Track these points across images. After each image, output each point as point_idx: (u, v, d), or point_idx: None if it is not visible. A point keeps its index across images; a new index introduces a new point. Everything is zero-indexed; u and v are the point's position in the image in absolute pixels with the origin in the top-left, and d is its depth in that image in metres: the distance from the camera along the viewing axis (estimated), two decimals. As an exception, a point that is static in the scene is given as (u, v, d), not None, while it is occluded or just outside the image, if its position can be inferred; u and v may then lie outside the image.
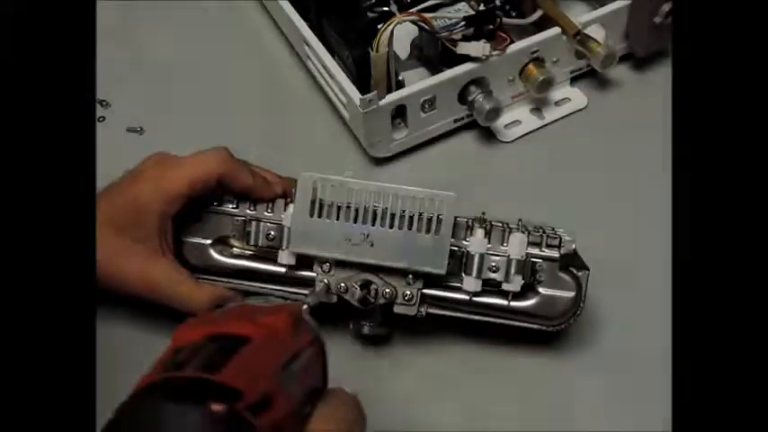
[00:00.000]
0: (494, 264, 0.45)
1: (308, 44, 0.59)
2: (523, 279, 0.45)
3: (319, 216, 0.44)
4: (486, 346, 0.49)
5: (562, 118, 0.60)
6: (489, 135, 0.60)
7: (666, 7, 0.58)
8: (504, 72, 0.57)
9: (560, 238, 0.45)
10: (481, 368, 0.48)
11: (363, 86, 0.54)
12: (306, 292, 0.46)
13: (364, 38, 0.54)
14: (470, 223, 0.46)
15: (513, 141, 0.59)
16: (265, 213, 0.47)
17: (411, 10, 0.56)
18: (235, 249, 0.48)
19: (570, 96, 0.62)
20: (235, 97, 0.63)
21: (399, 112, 0.56)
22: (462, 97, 0.57)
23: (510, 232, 0.45)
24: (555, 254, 0.45)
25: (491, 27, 0.56)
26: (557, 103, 0.61)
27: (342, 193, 0.44)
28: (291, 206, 0.46)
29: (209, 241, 0.48)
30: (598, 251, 0.52)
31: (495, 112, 0.56)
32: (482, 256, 0.45)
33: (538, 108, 0.61)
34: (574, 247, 0.46)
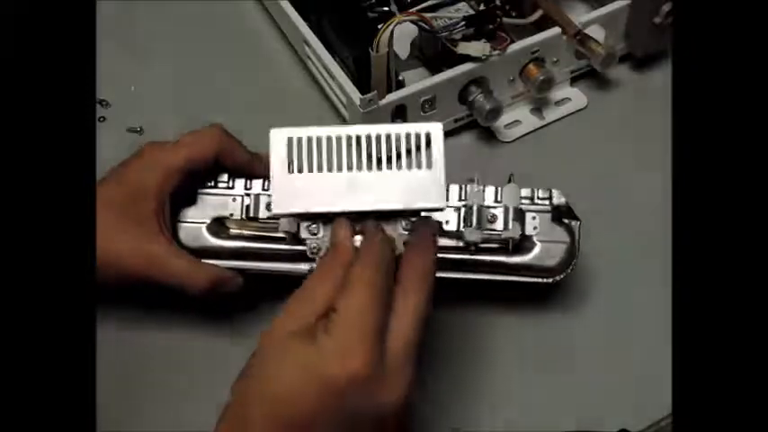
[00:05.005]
0: (491, 214, 0.46)
1: (308, 44, 0.60)
2: (521, 228, 0.46)
3: (299, 171, 0.41)
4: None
5: (562, 118, 0.61)
6: (489, 135, 0.60)
7: (666, 7, 0.58)
8: (504, 72, 0.57)
9: (550, 191, 0.47)
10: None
11: (363, 86, 0.54)
12: (306, 267, 0.45)
13: (364, 38, 0.54)
14: (463, 185, 0.47)
15: (513, 141, 0.59)
16: (262, 191, 0.48)
17: (411, 10, 0.56)
18: (232, 231, 0.48)
19: (570, 96, 0.62)
20: (235, 97, 0.63)
21: (399, 112, 0.56)
22: (462, 97, 0.57)
23: (502, 189, 0.47)
24: (547, 206, 0.47)
25: (491, 27, 0.56)
26: (557, 103, 0.61)
27: (319, 142, 0.41)
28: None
29: (204, 224, 0.47)
30: (598, 251, 0.52)
31: (495, 112, 0.56)
32: (480, 207, 0.46)
33: (538, 108, 0.61)
34: (564, 199, 0.47)
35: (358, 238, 0.40)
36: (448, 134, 0.59)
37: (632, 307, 0.50)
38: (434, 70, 0.57)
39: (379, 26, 0.52)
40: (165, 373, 0.49)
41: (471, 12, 0.57)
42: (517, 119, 0.60)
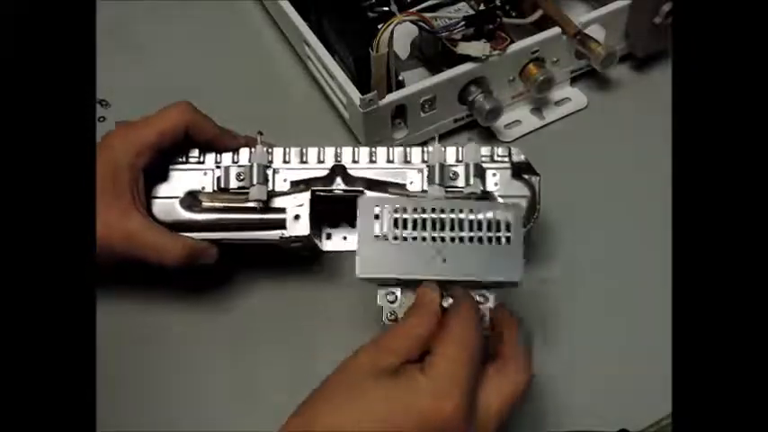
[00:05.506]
0: (453, 172, 0.48)
1: (308, 44, 0.60)
2: (482, 184, 0.47)
3: (385, 238, 0.42)
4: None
5: (562, 118, 0.61)
6: (489, 135, 0.60)
7: (666, 7, 0.58)
8: (504, 72, 0.57)
9: (509, 149, 0.49)
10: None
11: (363, 86, 0.54)
12: (278, 233, 0.47)
13: (364, 38, 0.54)
14: (425, 147, 0.49)
15: (512, 141, 0.59)
16: (232, 163, 0.49)
17: (411, 10, 0.56)
18: (204, 204, 0.49)
19: (570, 96, 0.62)
20: (234, 97, 0.63)
21: (399, 112, 0.56)
22: (462, 97, 0.57)
23: (463, 148, 0.49)
24: (506, 162, 0.48)
25: (491, 27, 0.56)
26: (557, 103, 0.61)
27: (405, 212, 0.42)
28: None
29: (177, 198, 0.48)
30: (598, 251, 0.52)
31: (495, 112, 0.56)
32: (442, 165, 0.48)
33: (538, 108, 0.61)
34: (523, 156, 0.49)
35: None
36: (448, 134, 0.59)
37: (633, 310, 0.50)
38: (434, 70, 0.57)
39: (379, 26, 0.53)
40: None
41: (471, 12, 0.58)
42: (517, 119, 0.60)
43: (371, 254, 0.42)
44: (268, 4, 0.68)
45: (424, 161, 0.49)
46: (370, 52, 0.53)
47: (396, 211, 0.42)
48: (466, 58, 0.55)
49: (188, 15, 0.70)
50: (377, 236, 0.42)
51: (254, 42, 0.68)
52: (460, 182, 0.48)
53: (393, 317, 0.43)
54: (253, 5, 0.71)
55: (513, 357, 0.39)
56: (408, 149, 0.49)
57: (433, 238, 0.42)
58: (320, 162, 0.49)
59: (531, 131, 0.60)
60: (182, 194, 0.49)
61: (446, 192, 0.48)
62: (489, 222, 0.42)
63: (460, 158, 0.48)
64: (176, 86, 0.64)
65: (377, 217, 0.42)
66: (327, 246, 0.51)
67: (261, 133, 0.49)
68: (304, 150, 0.50)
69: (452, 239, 0.42)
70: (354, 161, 0.49)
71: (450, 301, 0.41)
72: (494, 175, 0.48)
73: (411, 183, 0.48)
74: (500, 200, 0.48)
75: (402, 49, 0.60)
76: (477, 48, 0.55)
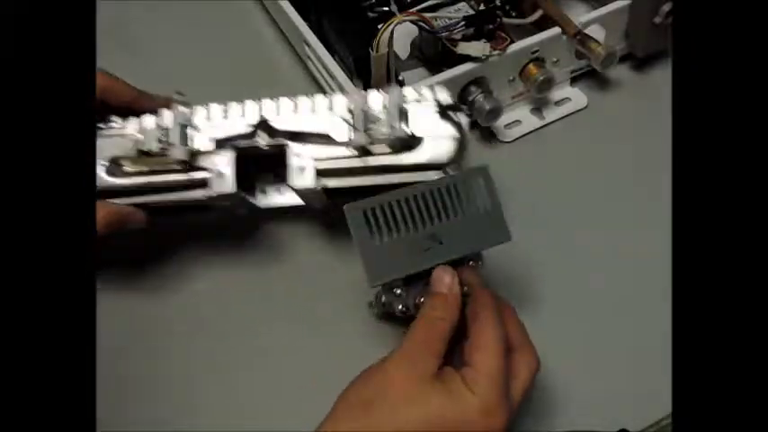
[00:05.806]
0: (376, 117, 0.47)
1: (308, 44, 0.60)
2: (407, 127, 0.47)
3: (381, 239, 0.43)
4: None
5: (562, 118, 0.61)
6: (489, 135, 0.60)
7: (666, 7, 0.58)
8: (504, 72, 0.57)
9: (433, 89, 0.48)
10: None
11: (363, 86, 0.54)
12: (201, 193, 0.47)
13: (364, 38, 0.54)
14: (348, 97, 0.48)
15: (513, 141, 0.59)
16: (154, 126, 0.48)
17: (411, 10, 0.57)
18: (128, 168, 0.48)
19: (570, 96, 0.62)
20: (235, 97, 0.63)
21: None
22: (462, 97, 0.57)
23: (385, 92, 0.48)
24: (430, 103, 0.47)
25: (491, 27, 0.56)
26: (557, 103, 0.61)
27: (390, 208, 0.43)
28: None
29: (101, 165, 0.48)
30: (598, 251, 0.52)
31: (495, 112, 0.56)
32: (365, 111, 0.46)
33: (538, 108, 0.61)
34: (447, 96, 0.48)
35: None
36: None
37: (634, 310, 0.50)
38: (434, 70, 0.57)
39: (379, 26, 0.53)
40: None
41: (471, 12, 0.58)
42: (517, 119, 0.60)
43: (376, 262, 0.43)
44: (268, 4, 0.68)
45: (349, 110, 0.48)
46: (370, 52, 0.53)
47: (382, 210, 0.43)
48: (466, 58, 0.55)
49: (188, 15, 0.70)
50: (375, 243, 0.43)
51: (254, 42, 0.68)
52: (384, 126, 0.46)
53: (405, 309, 0.43)
54: (253, 5, 0.71)
55: (521, 345, 0.40)
56: (331, 98, 0.48)
57: (423, 225, 0.43)
58: (243, 117, 0.49)
59: (531, 131, 0.60)
60: (105, 161, 0.48)
61: (371, 139, 0.46)
62: (466, 192, 0.43)
63: (384, 104, 0.47)
64: (176, 86, 0.64)
65: (368, 224, 0.43)
66: (262, 201, 0.52)
67: (180, 93, 0.49)
68: (226, 107, 0.49)
69: (440, 219, 0.43)
70: (278, 114, 0.49)
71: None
72: (419, 116, 0.47)
73: (335, 132, 0.47)
74: (427, 140, 0.47)
75: (402, 49, 0.60)
76: (477, 48, 0.55)
